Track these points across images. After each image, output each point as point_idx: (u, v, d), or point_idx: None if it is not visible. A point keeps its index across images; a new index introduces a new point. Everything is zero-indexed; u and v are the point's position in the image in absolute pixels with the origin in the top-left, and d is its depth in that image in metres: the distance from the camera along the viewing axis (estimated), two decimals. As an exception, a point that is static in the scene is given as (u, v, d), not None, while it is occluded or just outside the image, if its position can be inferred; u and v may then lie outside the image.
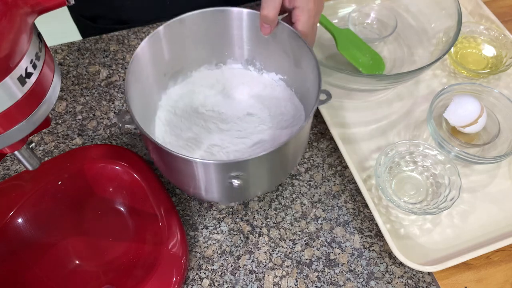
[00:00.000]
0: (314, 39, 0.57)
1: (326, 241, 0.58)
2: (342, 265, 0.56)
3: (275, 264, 0.56)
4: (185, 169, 0.49)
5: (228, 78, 0.64)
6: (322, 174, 0.63)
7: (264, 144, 0.58)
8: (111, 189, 0.59)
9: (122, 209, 0.58)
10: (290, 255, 0.57)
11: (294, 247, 0.57)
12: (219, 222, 0.59)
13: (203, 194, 0.53)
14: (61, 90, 0.70)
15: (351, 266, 0.56)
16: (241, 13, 0.56)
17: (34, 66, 0.31)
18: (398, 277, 0.55)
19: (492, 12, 0.77)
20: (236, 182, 0.47)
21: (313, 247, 0.57)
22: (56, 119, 0.67)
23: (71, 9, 0.81)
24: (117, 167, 0.58)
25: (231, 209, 0.60)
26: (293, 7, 0.53)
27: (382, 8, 0.77)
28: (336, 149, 0.65)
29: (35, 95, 0.32)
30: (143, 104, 0.55)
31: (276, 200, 0.61)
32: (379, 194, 0.60)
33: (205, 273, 0.55)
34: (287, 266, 0.56)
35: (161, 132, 0.59)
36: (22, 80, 0.30)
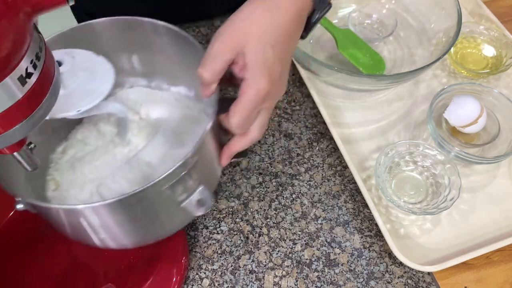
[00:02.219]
0: (259, 134, 0.44)
1: (326, 241, 0.58)
2: (342, 265, 0.56)
3: (275, 264, 0.56)
4: None
5: (175, 118, 0.56)
6: (322, 174, 0.63)
7: None
8: (111, 189, 0.59)
9: (122, 209, 0.58)
10: (290, 255, 0.57)
11: (294, 247, 0.57)
12: (219, 222, 0.59)
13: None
14: (61, 90, 0.70)
15: (351, 266, 0.56)
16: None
17: (35, 66, 0.31)
18: (398, 277, 0.55)
19: (492, 12, 0.77)
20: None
21: (313, 247, 0.57)
22: (56, 119, 0.67)
23: (74, 6, 0.81)
24: (117, 167, 0.58)
25: (231, 209, 0.60)
26: (242, 77, 0.41)
27: (382, 8, 0.77)
28: (336, 149, 0.65)
29: (36, 95, 0.32)
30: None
31: (276, 200, 0.61)
32: (379, 194, 0.60)
33: (205, 273, 0.55)
34: (287, 266, 0.56)
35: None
36: (22, 80, 0.30)
